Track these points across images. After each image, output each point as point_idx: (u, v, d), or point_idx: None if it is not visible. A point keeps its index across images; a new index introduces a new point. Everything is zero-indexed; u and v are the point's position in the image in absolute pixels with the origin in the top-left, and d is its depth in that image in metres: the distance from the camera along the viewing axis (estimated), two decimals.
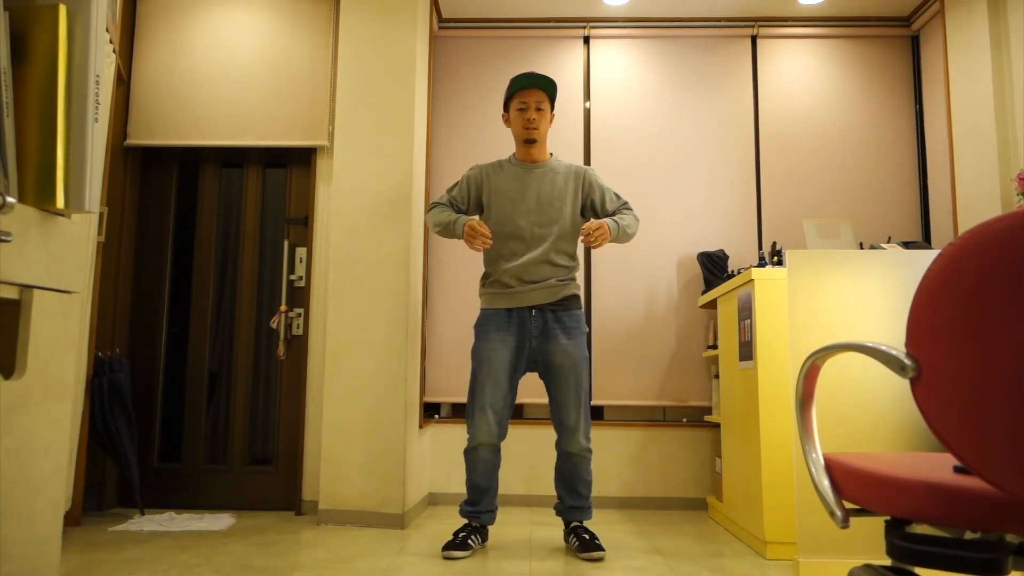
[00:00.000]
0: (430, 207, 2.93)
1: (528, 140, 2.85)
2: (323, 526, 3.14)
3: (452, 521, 3.32)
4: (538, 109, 2.84)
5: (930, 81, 3.90)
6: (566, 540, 2.81)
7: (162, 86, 3.63)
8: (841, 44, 4.06)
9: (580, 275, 3.92)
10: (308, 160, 3.70)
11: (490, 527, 3.18)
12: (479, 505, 2.78)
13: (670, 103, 4.04)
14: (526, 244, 2.80)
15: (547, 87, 2.85)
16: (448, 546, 2.65)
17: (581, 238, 2.74)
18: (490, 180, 2.88)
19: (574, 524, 2.78)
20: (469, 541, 2.70)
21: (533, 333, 2.77)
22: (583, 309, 2.89)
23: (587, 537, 2.68)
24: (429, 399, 3.85)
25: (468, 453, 2.77)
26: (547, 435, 3.80)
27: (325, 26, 3.66)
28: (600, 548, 2.63)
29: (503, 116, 2.96)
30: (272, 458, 3.55)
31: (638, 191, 3.97)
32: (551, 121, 2.92)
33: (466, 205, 2.90)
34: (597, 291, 3.91)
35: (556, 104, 4.04)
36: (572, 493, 2.79)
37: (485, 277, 2.88)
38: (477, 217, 2.91)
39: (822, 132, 4.00)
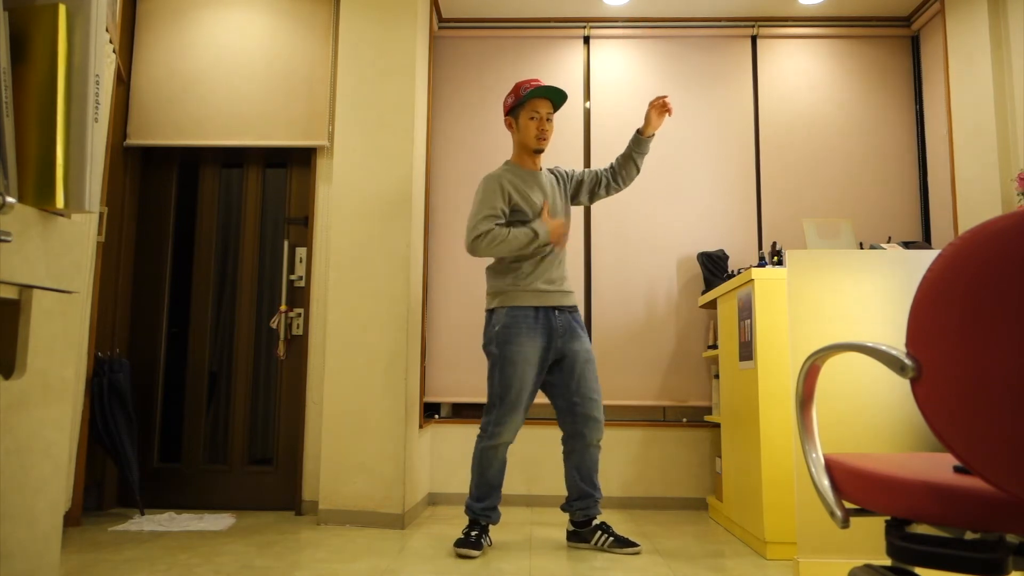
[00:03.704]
0: (489, 234, 2.73)
1: (538, 150, 2.91)
2: (323, 526, 3.14)
3: (452, 521, 3.32)
4: (548, 120, 2.90)
5: (930, 81, 3.90)
6: (587, 539, 2.81)
7: (162, 86, 3.63)
8: (841, 44, 4.06)
9: (580, 274, 3.93)
10: (308, 160, 3.70)
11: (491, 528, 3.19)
12: (488, 501, 2.78)
13: (670, 102, 4.04)
14: (549, 252, 2.85)
15: (561, 100, 2.92)
16: (462, 543, 2.66)
17: (655, 104, 2.87)
18: (516, 187, 2.84)
19: (599, 521, 2.82)
20: (482, 540, 2.72)
21: (559, 332, 2.80)
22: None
23: (619, 534, 2.78)
24: (429, 399, 3.85)
25: (487, 450, 2.77)
26: (547, 435, 3.79)
27: (325, 26, 3.66)
28: (637, 544, 2.74)
29: (506, 120, 2.96)
30: (272, 458, 3.55)
31: (638, 191, 3.97)
32: None
33: (504, 215, 2.82)
34: (597, 291, 3.91)
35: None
36: (595, 487, 2.82)
37: (509, 273, 2.82)
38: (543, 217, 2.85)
39: (822, 132, 4.00)
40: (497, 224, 2.76)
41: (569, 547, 2.81)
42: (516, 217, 2.83)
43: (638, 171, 2.99)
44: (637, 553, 2.71)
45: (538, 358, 2.77)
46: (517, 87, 2.89)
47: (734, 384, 3.07)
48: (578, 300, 3.91)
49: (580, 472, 2.81)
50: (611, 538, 2.75)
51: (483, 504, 2.78)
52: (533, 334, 2.76)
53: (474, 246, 2.75)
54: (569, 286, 2.90)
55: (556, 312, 2.81)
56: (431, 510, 3.62)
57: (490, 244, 2.73)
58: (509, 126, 2.95)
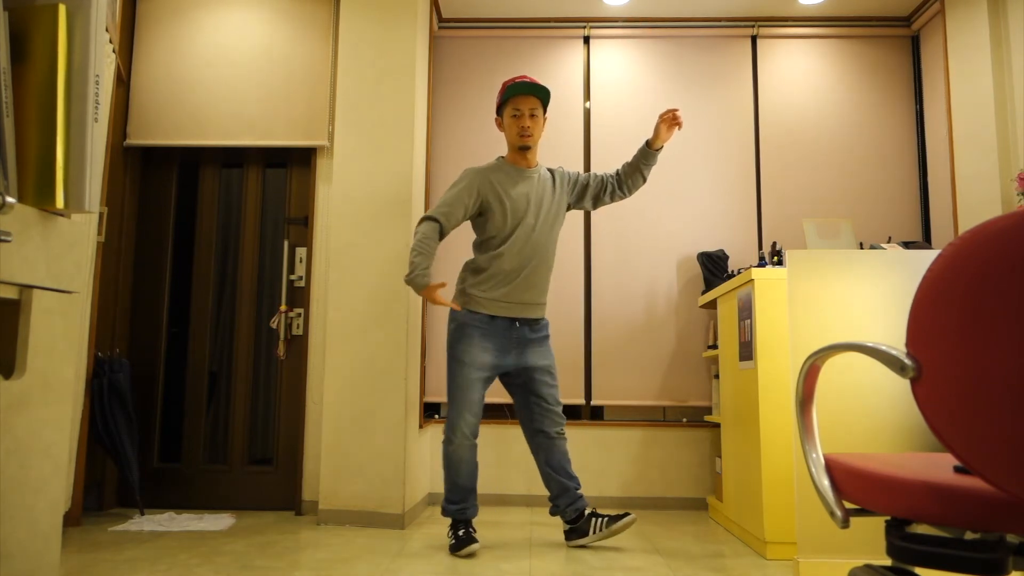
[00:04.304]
0: (420, 235, 2.76)
1: (523, 147, 2.88)
2: (323, 526, 3.14)
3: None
4: (531, 116, 2.86)
5: (930, 81, 3.90)
6: (586, 532, 2.81)
7: (162, 86, 3.63)
8: (841, 44, 4.06)
9: (579, 274, 3.93)
10: (308, 160, 3.70)
11: (483, 526, 3.20)
12: (463, 503, 2.79)
13: (670, 103, 4.04)
14: (533, 249, 2.83)
15: (541, 94, 2.88)
16: (458, 546, 2.66)
17: (665, 117, 2.83)
18: (495, 183, 2.83)
19: (591, 510, 2.84)
20: (471, 533, 2.72)
21: (513, 345, 2.80)
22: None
23: (610, 514, 2.82)
24: (429, 399, 3.85)
25: (449, 454, 2.77)
26: None
27: (325, 26, 3.66)
28: (628, 512, 2.81)
29: (496, 120, 2.98)
30: (272, 458, 3.55)
31: (638, 191, 3.97)
32: (543, 125, 2.95)
33: (466, 213, 2.83)
34: (597, 291, 3.91)
35: (557, 105, 4.05)
36: (570, 477, 2.83)
37: (480, 279, 2.81)
38: (436, 283, 2.81)
39: (822, 132, 4.00)
40: (445, 221, 2.79)
41: (569, 547, 2.81)
42: (485, 218, 2.83)
43: (644, 181, 2.97)
44: (632, 521, 2.77)
45: (488, 363, 2.76)
46: (502, 86, 2.90)
47: (734, 384, 3.08)
48: (578, 300, 3.92)
49: (552, 466, 2.82)
50: (606, 519, 2.78)
51: (457, 506, 2.79)
52: (485, 339, 2.76)
53: (415, 230, 2.83)
54: (539, 300, 2.86)
55: (517, 323, 2.81)
56: (431, 510, 3.62)
57: (415, 241, 2.77)
58: (499, 126, 2.96)
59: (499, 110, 2.93)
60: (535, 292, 2.84)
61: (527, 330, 2.83)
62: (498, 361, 2.79)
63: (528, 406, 2.84)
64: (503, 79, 4.09)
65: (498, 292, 2.79)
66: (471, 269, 2.85)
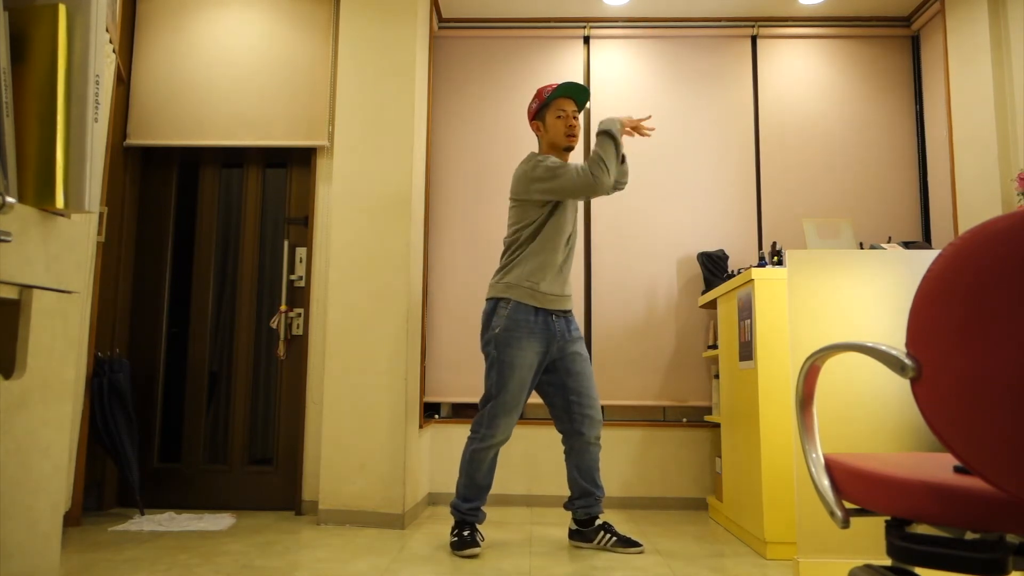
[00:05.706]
0: (593, 168, 2.70)
1: (568, 147, 2.90)
2: (323, 526, 3.14)
3: (452, 521, 3.32)
4: (574, 117, 2.89)
5: (930, 81, 3.90)
6: (590, 539, 2.81)
7: (162, 86, 3.63)
8: (841, 44, 4.06)
9: (580, 274, 3.93)
10: (308, 160, 3.70)
11: (484, 525, 3.21)
12: (476, 501, 2.79)
13: (670, 103, 4.04)
14: (570, 249, 2.89)
15: (583, 100, 2.92)
16: (460, 545, 2.66)
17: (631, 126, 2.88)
18: None
19: (602, 521, 2.83)
20: (476, 536, 2.72)
21: (557, 337, 2.80)
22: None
23: (622, 534, 2.79)
24: (429, 399, 3.85)
25: (477, 452, 2.77)
26: (547, 435, 3.79)
27: (325, 26, 3.66)
28: (640, 543, 2.76)
29: (533, 124, 2.94)
30: (272, 458, 3.55)
31: (638, 191, 3.97)
32: None
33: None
34: (597, 291, 3.91)
35: None
36: (596, 485, 2.82)
37: (534, 270, 2.77)
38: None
39: (822, 132, 4.00)
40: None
41: (570, 546, 2.82)
42: (555, 210, 2.80)
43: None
44: (640, 553, 2.72)
45: (536, 362, 2.77)
46: (540, 91, 2.90)
47: (734, 384, 3.07)
48: (578, 300, 3.92)
49: (580, 470, 2.81)
50: (614, 538, 2.75)
51: (470, 504, 2.78)
52: (532, 338, 2.75)
53: (597, 181, 2.69)
54: (569, 291, 2.91)
55: (554, 316, 2.82)
56: (431, 510, 3.62)
57: (605, 169, 2.70)
58: (537, 129, 2.94)
59: (538, 114, 2.91)
60: (566, 284, 2.88)
61: (563, 323, 2.84)
62: (543, 358, 2.79)
63: (568, 408, 2.81)
64: (503, 79, 4.09)
65: (545, 285, 2.78)
66: (518, 262, 2.79)
